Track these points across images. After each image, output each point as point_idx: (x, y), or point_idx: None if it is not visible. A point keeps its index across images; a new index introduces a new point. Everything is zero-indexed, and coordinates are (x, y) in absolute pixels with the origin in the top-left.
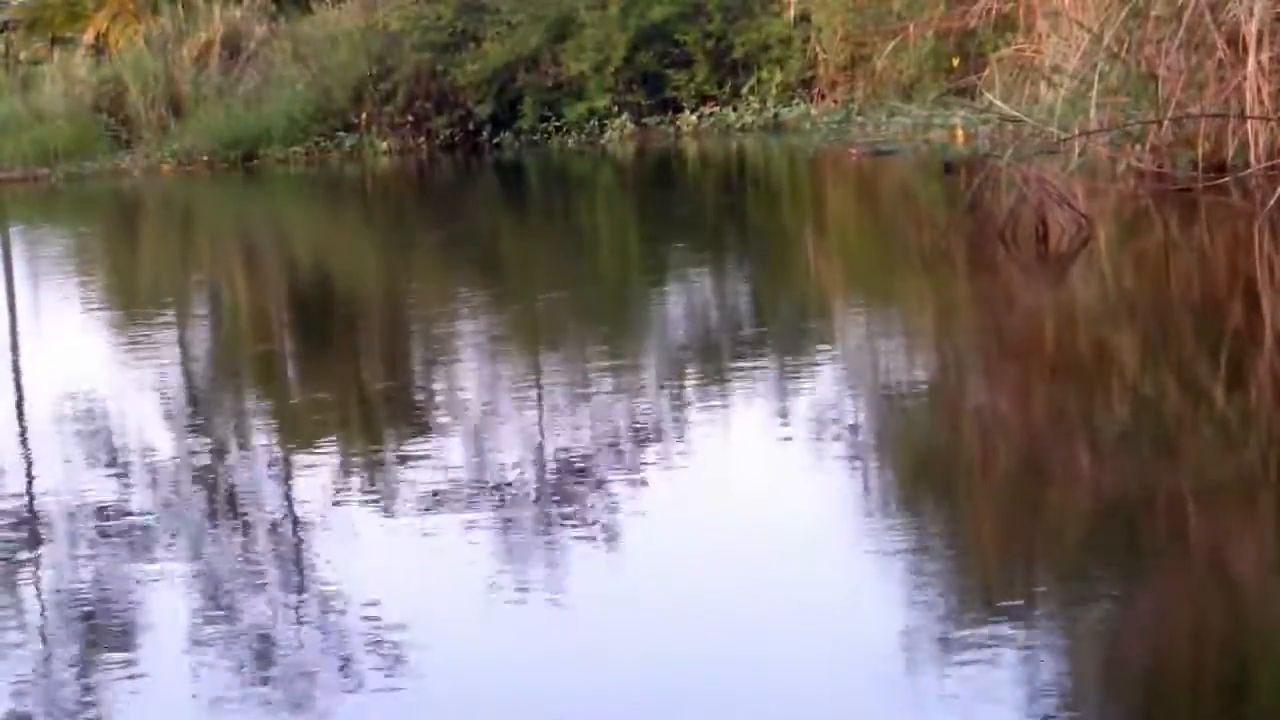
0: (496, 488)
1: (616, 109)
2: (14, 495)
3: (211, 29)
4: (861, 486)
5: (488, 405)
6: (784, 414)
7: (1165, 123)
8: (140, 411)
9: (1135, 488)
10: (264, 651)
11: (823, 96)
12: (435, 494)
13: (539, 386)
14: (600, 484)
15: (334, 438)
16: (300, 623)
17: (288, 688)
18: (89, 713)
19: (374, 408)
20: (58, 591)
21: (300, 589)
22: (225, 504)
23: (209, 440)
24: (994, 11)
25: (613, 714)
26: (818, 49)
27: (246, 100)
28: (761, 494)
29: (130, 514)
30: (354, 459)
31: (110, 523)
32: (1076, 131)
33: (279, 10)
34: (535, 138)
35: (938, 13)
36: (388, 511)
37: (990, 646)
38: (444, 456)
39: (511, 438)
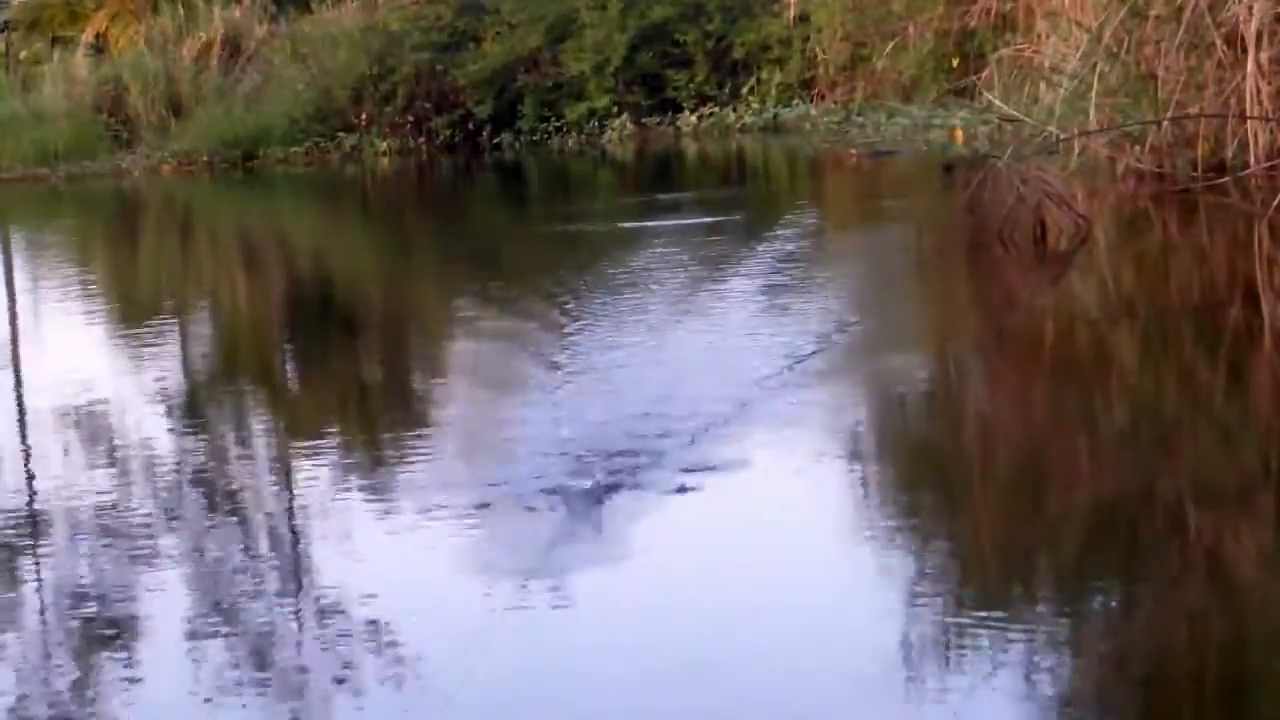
0: (496, 485)
1: (616, 109)
2: (12, 495)
3: (211, 29)
4: (857, 485)
5: (486, 407)
6: (781, 413)
7: (1165, 123)
8: (136, 412)
9: (1143, 490)
10: (261, 653)
11: (822, 97)
12: (434, 493)
13: (534, 385)
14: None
15: (331, 437)
16: (298, 623)
17: (285, 689)
18: (85, 712)
19: (370, 407)
20: (55, 591)
21: (298, 588)
22: (221, 504)
23: (206, 440)
24: (994, 11)
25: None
26: (817, 49)
27: (246, 100)
28: (761, 494)
29: (126, 514)
30: (352, 458)
31: (107, 522)
32: (1076, 132)
33: (279, 10)
34: (535, 138)
35: (937, 13)
36: (386, 511)
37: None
38: (441, 455)
39: (514, 434)
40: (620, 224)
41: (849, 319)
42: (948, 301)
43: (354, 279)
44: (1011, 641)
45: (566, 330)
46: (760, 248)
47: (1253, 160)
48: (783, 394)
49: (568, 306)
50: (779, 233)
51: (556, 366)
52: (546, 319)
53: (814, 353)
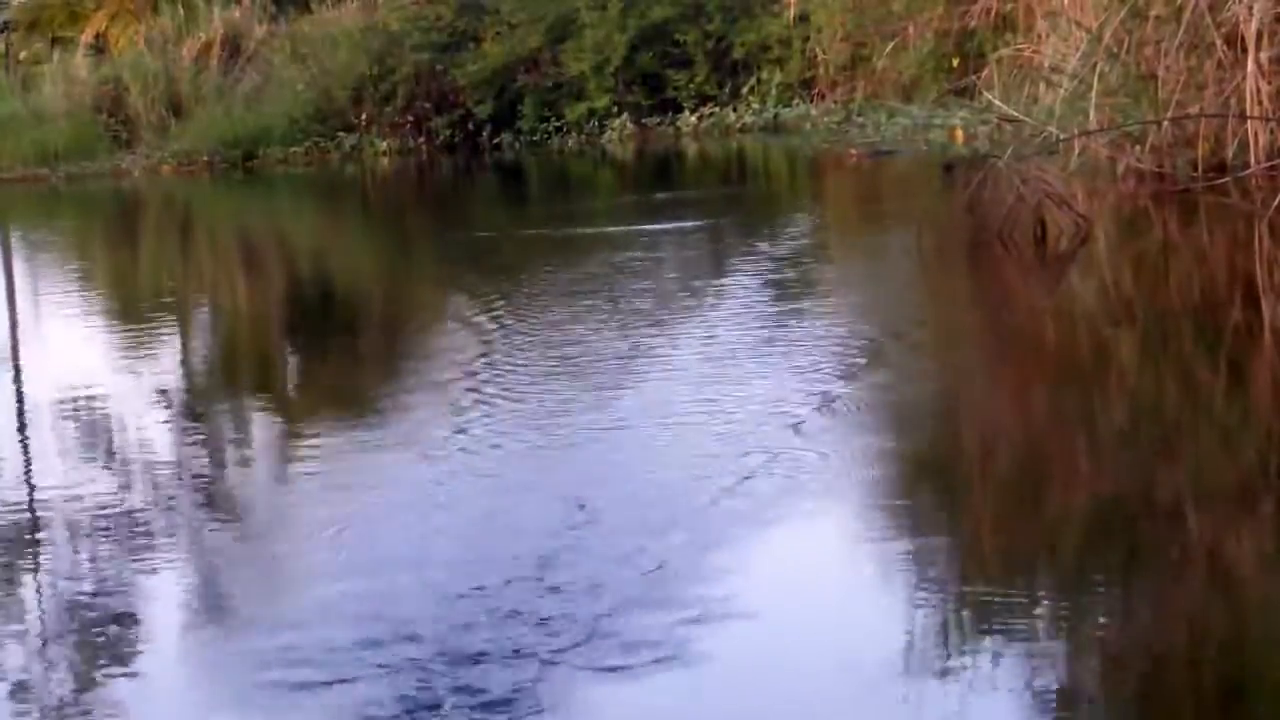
0: (494, 490)
1: (616, 109)
2: (13, 493)
3: (211, 29)
4: (858, 488)
5: (489, 410)
6: (776, 417)
7: (1165, 123)
8: (135, 410)
9: (1151, 491)
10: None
11: (822, 97)
12: (436, 495)
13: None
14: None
15: (330, 435)
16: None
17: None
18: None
19: (368, 406)
20: (55, 588)
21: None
22: (219, 503)
23: (203, 439)
24: (994, 11)
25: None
26: (817, 49)
27: (246, 100)
28: (759, 498)
29: (126, 511)
30: (352, 458)
31: (109, 520)
32: (1076, 132)
33: (279, 10)
34: (535, 138)
35: (937, 13)
36: (386, 516)
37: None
38: (442, 456)
39: (505, 434)
40: (615, 227)
41: (855, 364)
42: (944, 300)
43: (333, 287)
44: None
45: (491, 383)
46: (755, 258)
47: (1253, 160)
48: (763, 517)
49: (511, 343)
50: (776, 239)
51: (439, 454)
52: (472, 372)
53: (801, 426)
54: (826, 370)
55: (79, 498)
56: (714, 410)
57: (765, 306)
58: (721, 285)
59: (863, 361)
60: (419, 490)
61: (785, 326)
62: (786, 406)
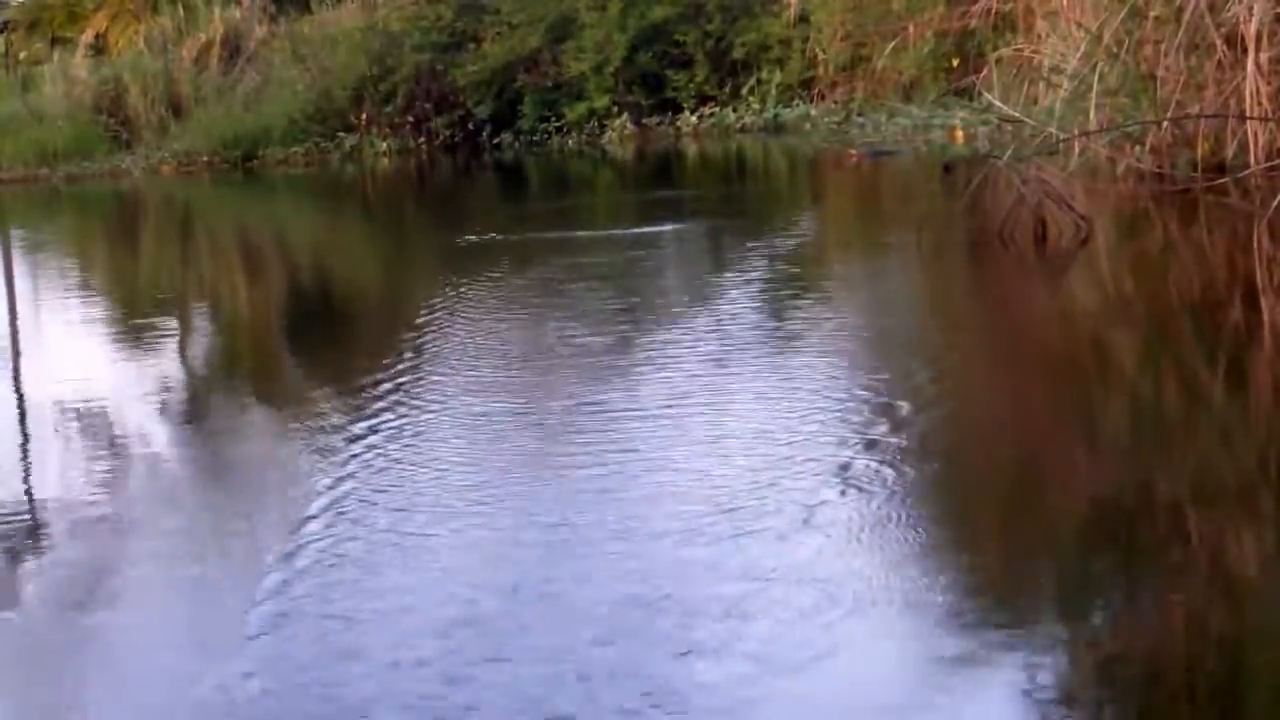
0: (493, 490)
1: (616, 109)
2: (15, 492)
3: (211, 29)
4: (859, 489)
5: (483, 412)
6: (772, 416)
7: (1165, 123)
8: (135, 409)
9: (1151, 491)
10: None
11: (822, 97)
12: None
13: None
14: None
15: (328, 433)
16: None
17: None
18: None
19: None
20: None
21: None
22: (221, 500)
23: (203, 438)
24: (994, 11)
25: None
26: (817, 49)
27: (246, 100)
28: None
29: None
30: (352, 460)
31: (114, 517)
32: (1076, 132)
33: (279, 10)
34: (535, 138)
35: (938, 13)
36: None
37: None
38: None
39: (507, 434)
40: (614, 228)
41: (857, 365)
42: (943, 300)
43: (330, 289)
44: None
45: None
46: (754, 258)
47: (1253, 160)
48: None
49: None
50: (776, 239)
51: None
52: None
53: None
54: (830, 371)
55: (64, 493)
56: (723, 411)
57: (765, 306)
58: (720, 285)
59: (866, 362)
60: (425, 492)
61: (786, 326)
62: (791, 406)
